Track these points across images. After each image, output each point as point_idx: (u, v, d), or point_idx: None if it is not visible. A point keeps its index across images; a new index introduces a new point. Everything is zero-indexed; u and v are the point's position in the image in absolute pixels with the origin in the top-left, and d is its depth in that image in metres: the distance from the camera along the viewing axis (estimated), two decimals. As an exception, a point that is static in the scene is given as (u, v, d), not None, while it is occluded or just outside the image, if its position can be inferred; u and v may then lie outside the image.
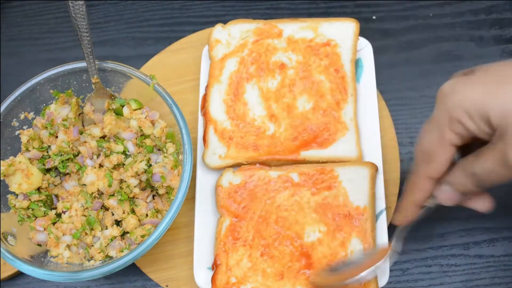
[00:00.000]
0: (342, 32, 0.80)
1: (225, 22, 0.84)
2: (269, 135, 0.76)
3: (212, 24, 0.91)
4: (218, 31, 0.82)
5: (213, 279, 0.70)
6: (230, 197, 0.73)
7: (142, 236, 0.71)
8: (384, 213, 0.73)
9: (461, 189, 0.57)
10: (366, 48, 0.82)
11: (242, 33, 0.82)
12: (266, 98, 0.78)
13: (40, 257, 0.70)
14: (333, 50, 0.80)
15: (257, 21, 0.83)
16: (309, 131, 0.76)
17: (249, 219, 0.72)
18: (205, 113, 0.78)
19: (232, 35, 0.82)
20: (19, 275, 0.78)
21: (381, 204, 0.74)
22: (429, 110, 0.84)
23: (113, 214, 0.73)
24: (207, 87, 0.79)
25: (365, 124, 0.78)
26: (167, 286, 0.76)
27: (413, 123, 0.83)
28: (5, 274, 0.76)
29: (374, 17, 0.90)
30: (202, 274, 0.72)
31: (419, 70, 0.87)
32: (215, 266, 0.70)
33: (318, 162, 0.75)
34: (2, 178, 0.72)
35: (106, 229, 0.73)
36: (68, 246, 0.72)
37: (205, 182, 0.77)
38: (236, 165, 0.76)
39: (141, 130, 0.76)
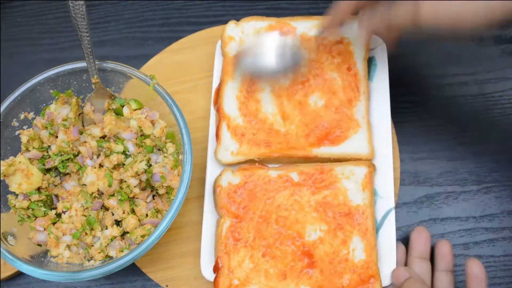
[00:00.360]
0: (355, 30, 0.80)
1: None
2: (281, 132, 0.77)
3: (212, 24, 0.91)
4: (231, 28, 0.83)
5: (216, 283, 0.69)
6: (229, 197, 0.73)
7: (142, 236, 0.71)
8: (393, 212, 0.73)
9: (374, 27, 0.69)
10: (380, 47, 0.81)
11: (255, 30, 0.82)
12: (278, 95, 0.78)
13: (40, 257, 0.70)
14: (346, 48, 0.80)
15: (270, 18, 0.83)
16: (321, 129, 0.76)
17: (249, 219, 0.72)
18: (218, 109, 0.78)
19: (245, 32, 0.82)
20: (19, 275, 0.78)
21: (390, 202, 0.74)
22: (429, 109, 0.84)
23: (113, 214, 0.73)
24: (221, 83, 0.80)
25: (378, 122, 0.78)
26: (167, 286, 0.76)
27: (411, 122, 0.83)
28: (5, 274, 0.76)
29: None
30: (209, 268, 0.72)
31: (419, 71, 0.87)
32: (217, 269, 0.70)
33: (329, 159, 0.75)
34: (2, 178, 0.72)
35: (106, 229, 0.73)
36: (68, 246, 0.72)
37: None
38: (248, 162, 0.76)
39: (141, 130, 0.76)
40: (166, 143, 0.75)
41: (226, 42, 0.82)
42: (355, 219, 0.71)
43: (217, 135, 0.77)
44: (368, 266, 0.69)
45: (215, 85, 0.81)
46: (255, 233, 0.72)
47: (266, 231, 0.72)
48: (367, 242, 0.70)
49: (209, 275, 0.71)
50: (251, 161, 0.76)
